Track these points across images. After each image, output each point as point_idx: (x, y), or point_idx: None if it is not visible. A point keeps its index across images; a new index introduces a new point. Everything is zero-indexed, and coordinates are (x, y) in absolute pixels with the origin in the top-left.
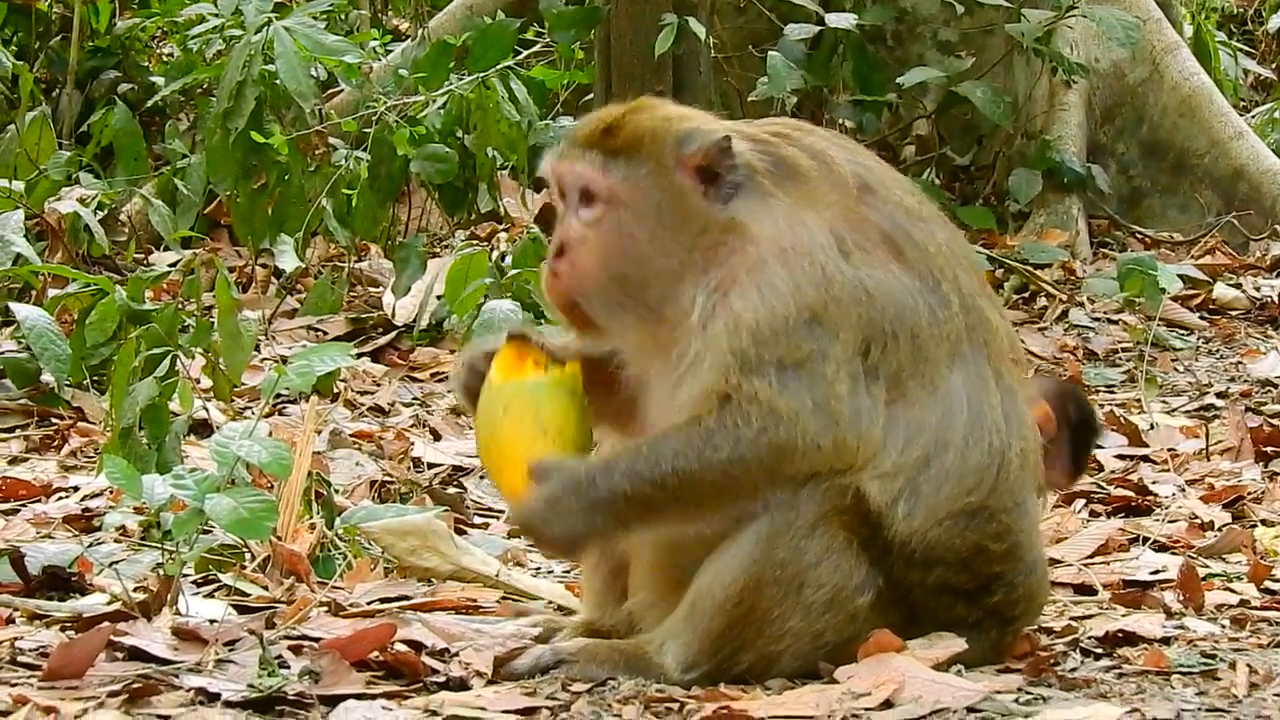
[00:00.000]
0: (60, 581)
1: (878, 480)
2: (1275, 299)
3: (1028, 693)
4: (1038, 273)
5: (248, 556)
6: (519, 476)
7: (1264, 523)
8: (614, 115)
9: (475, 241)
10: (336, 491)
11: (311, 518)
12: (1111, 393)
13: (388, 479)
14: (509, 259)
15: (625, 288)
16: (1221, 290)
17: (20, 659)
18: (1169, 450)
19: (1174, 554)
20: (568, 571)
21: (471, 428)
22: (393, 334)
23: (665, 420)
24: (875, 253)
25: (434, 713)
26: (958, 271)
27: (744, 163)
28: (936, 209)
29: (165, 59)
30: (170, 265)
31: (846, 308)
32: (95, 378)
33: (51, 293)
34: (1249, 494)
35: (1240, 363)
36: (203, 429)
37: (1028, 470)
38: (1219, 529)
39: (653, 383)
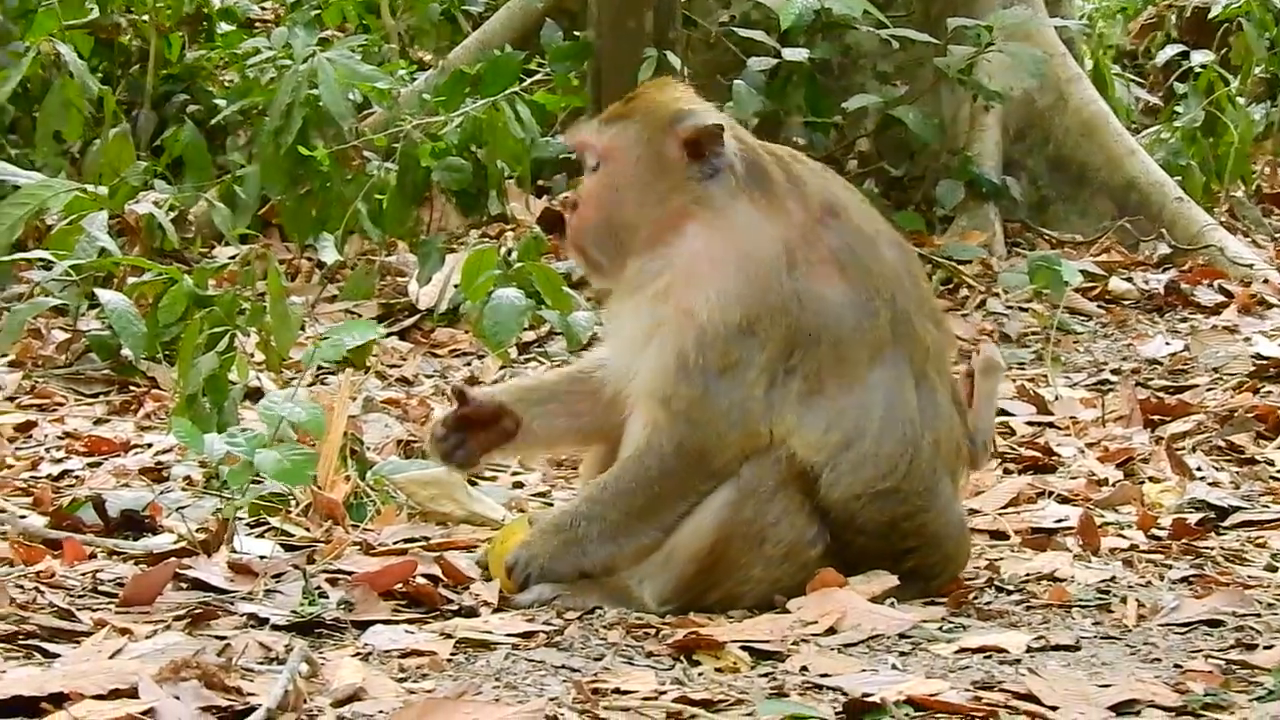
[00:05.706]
0: (135, 523)
1: (806, 450)
2: (1161, 291)
3: (950, 622)
4: (960, 268)
5: (293, 503)
6: None
7: (1151, 479)
8: (631, 92)
9: (486, 239)
10: (368, 448)
11: (347, 470)
12: (1022, 369)
13: (412, 438)
14: (514, 254)
15: (616, 232)
16: (1116, 283)
17: (101, 588)
18: (1071, 418)
19: (1075, 505)
20: None
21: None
22: (417, 317)
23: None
24: (818, 268)
25: (449, 635)
26: (896, 290)
27: (727, 157)
28: (894, 234)
29: (227, 85)
30: (230, 258)
31: (778, 318)
32: (166, 352)
33: (130, 280)
34: (1138, 455)
35: (1131, 345)
36: (256, 395)
37: (940, 458)
38: (1113, 484)
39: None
